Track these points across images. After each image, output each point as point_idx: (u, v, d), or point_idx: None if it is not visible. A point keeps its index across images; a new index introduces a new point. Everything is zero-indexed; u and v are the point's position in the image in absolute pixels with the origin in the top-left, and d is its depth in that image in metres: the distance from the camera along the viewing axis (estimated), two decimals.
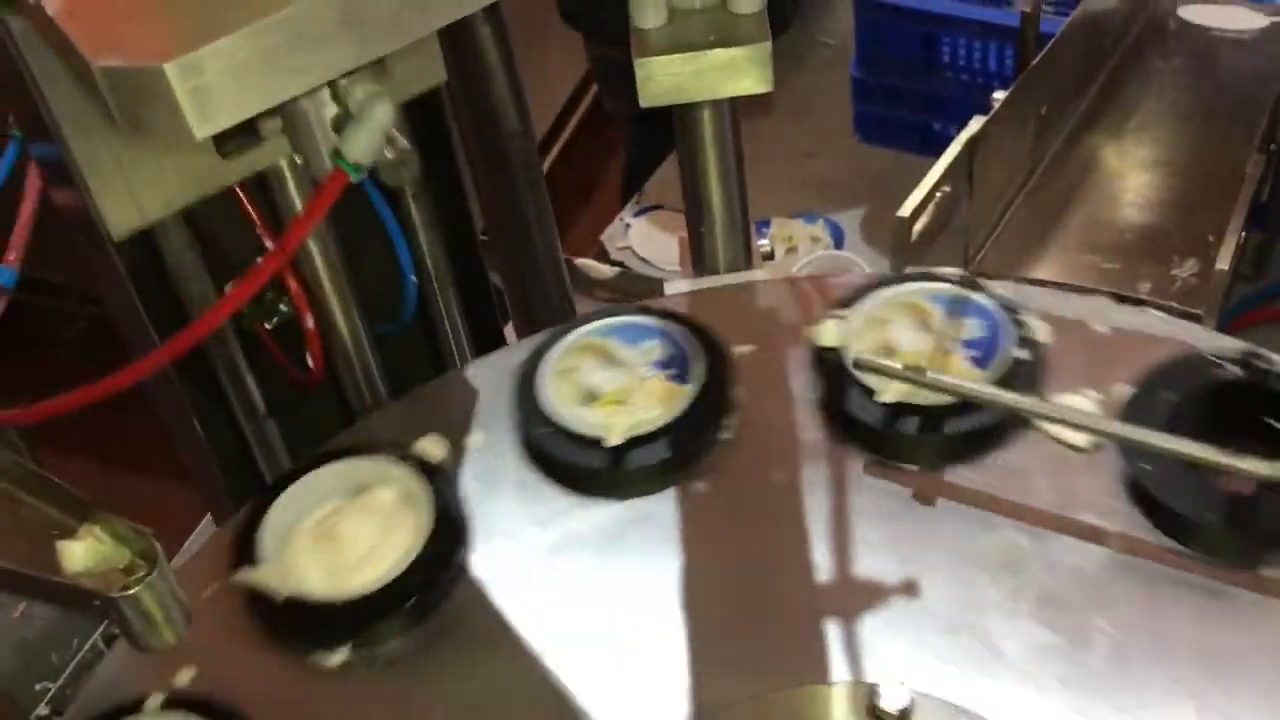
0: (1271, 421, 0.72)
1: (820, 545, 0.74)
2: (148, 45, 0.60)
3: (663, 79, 0.79)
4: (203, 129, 0.60)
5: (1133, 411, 0.74)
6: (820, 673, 0.69)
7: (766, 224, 1.54)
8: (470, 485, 0.80)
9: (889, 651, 0.69)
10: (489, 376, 0.86)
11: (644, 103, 0.79)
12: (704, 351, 0.82)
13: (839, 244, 1.54)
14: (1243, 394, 0.74)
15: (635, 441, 0.78)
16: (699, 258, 1.00)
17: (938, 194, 0.89)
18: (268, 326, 0.98)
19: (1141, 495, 0.71)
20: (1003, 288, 0.83)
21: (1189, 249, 0.99)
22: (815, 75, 1.73)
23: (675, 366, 0.82)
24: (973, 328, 0.80)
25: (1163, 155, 1.15)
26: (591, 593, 0.74)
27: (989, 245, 1.02)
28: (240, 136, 0.82)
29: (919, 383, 0.72)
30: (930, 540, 0.73)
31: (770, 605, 0.73)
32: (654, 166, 1.64)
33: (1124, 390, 0.76)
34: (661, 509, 0.77)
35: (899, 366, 0.73)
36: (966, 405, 0.75)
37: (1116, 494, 0.72)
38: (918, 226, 0.87)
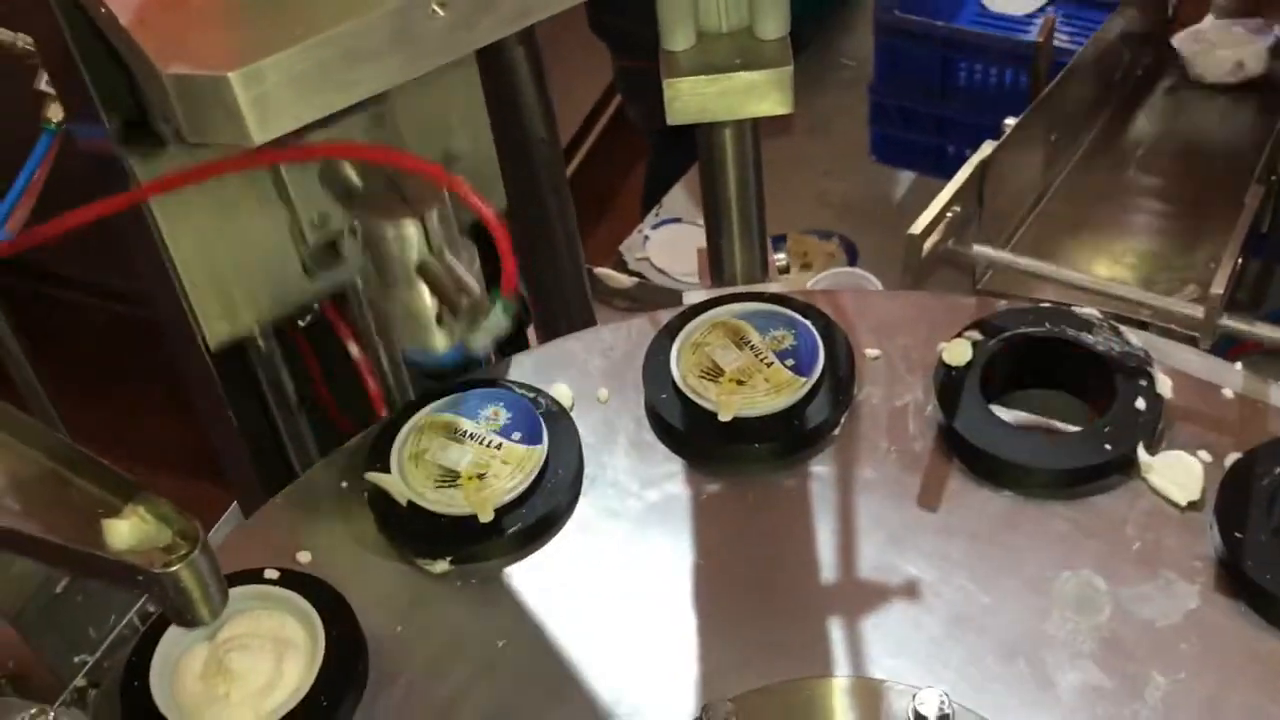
0: None
1: (895, 552, 0.77)
2: (213, 55, 0.64)
3: (689, 99, 0.83)
4: (261, 135, 0.64)
5: None
6: (863, 671, 0.72)
7: (783, 239, 1.58)
8: (589, 436, 0.84)
9: (940, 661, 0.72)
10: (620, 338, 0.91)
11: (671, 121, 0.83)
12: (829, 349, 0.86)
13: (853, 260, 1.58)
14: None
15: (743, 421, 0.82)
16: (716, 269, 1.04)
17: (948, 214, 0.92)
18: (301, 324, 1.02)
19: (1229, 562, 0.73)
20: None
21: (1190, 275, 1.03)
22: (834, 95, 1.77)
23: (798, 358, 0.86)
24: (786, 339, 0.86)
25: (1168, 184, 1.19)
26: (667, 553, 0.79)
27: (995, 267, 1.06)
28: (326, 257, 0.88)
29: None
30: (1009, 567, 0.76)
31: (827, 601, 0.76)
32: (674, 179, 1.68)
33: None
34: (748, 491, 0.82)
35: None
36: (1073, 440, 0.79)
37: (1204, 556, 0.74)
38: (927, 245, 0.91)
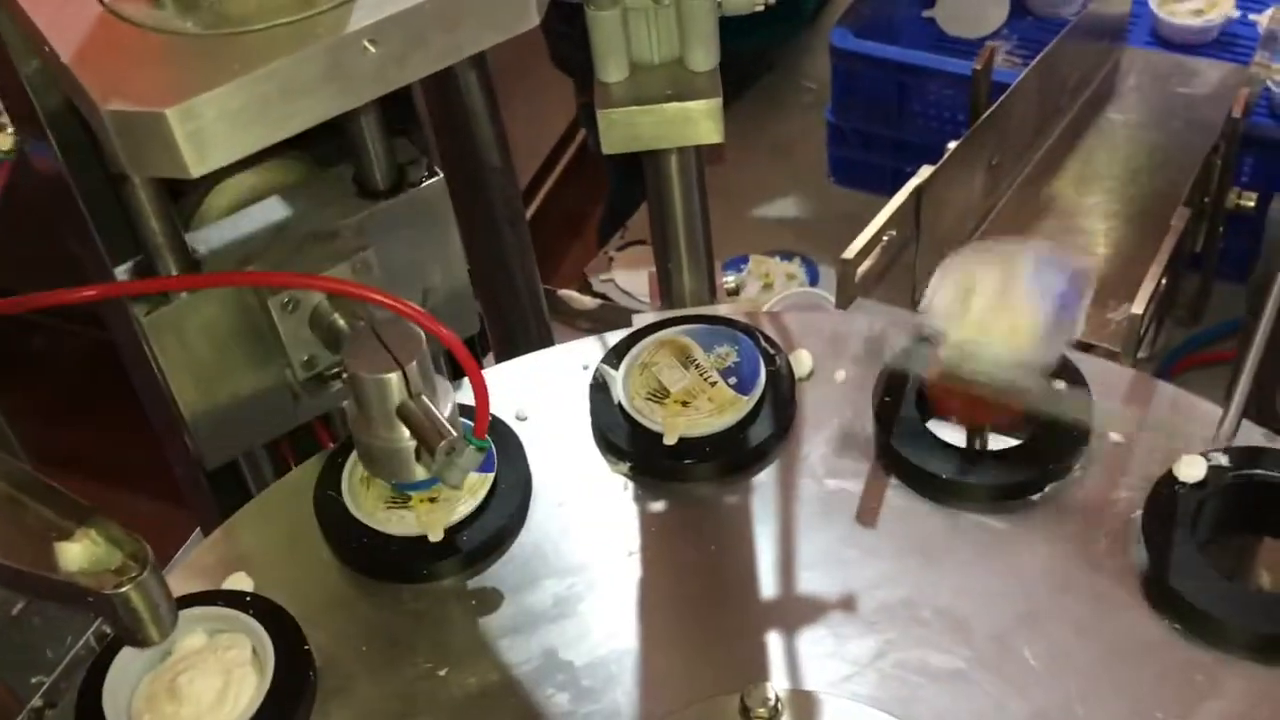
0: None
1: (833, 567, 0.79)
2: (151, 92, 0.66)
3: (623, 129, 0.86)
4: (198, 168, 0.67)
5: None
6: (801, 684, 0.75)
7: (745, 260, 1.61)
8: (538, 456, 0.87)
9: (877, 672, 0.74)
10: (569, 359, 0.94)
11: (606, 150, 0.86)
12: (770, 367, 0.88)
13: (814, 281, 1.60)
14: None
15: (688, 441, 0.85)
16: (666, 292, 1.07)
17: (884, 238, 0.95)
18: None
19: (1155, 576, 0.75)
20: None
21: (1124, 295, 1.06)
22: (797, 118, 1.79)
23: (740, 376, 0.88)
24: (730, 356, 0.88)
25: (1110, 205, 1.22)
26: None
27: None
28: (314, 386, 0.92)
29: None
30: (946, 580, 0.78)
31: (767, 616, 0.78)
32: (634, 205, 1.70)
33: None
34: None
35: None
36: (1008, 456, 0.81)
37: (1133, 569, 0.77)
38: (861, 269, 0.93)
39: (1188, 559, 0.74)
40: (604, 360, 0.91)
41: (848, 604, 0.78)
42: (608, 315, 1.50)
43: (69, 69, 0.68)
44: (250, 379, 0.91)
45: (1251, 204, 1.16)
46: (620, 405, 0.88)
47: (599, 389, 0.89)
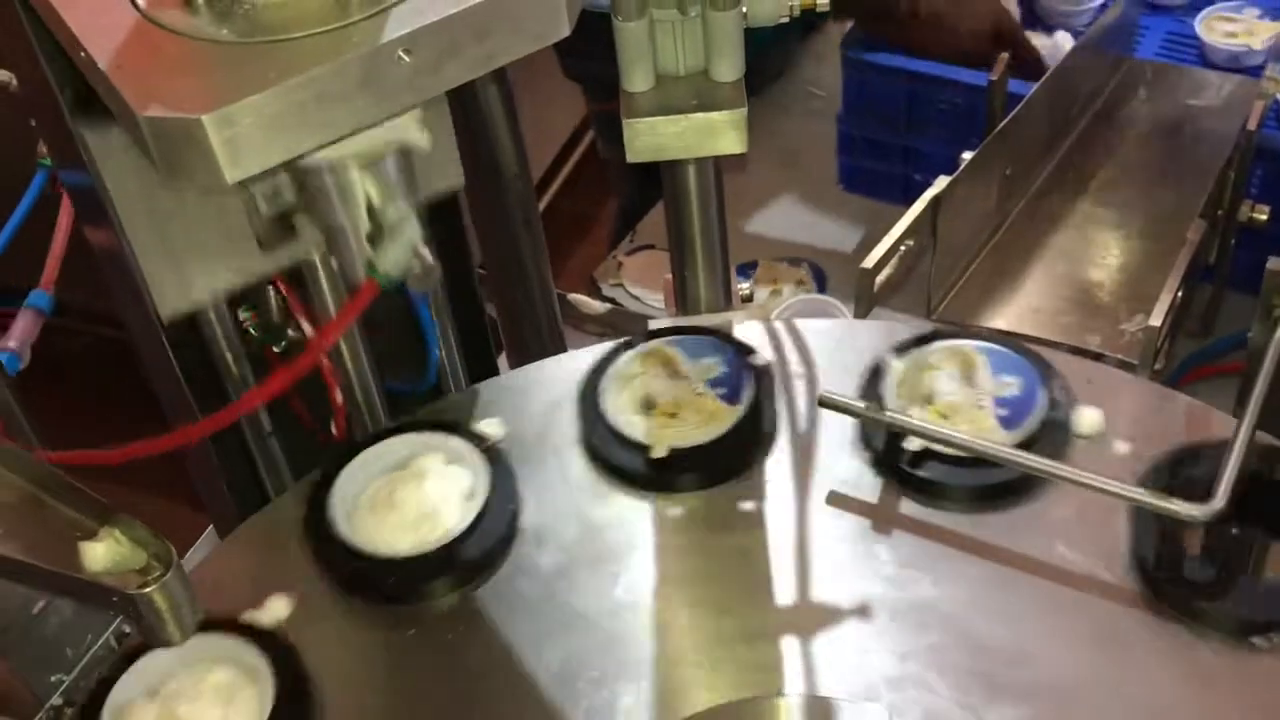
0: None
1: (826, 574, 0.80)
2: (188, 98, 0.66)
3: (648, 138, 0.86)
4: (233, 175, 0.67)
5: None
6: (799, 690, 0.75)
7: (753, 266, 1.61)
8: (526, 470, 0.87)
9: (881, 679, 0.75)
10: (555, 371, 0.95)
11: (630, 159, 0.87)
12: (757, 376, 0.89)
13: (822, 287, 1.60)
14: None
15: (676, 453, 0.85)
16: (682, 298, 1.07)
17: (901, 248, 0.96)
18: (276, 350, 1.05)
19: (1150, 571, 0.77)
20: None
21: (1137, 306, 1.07)
22: (804, 124, 1.79)
23: (728, 386, 0.89)
24: (716, 368, 0.89)
25: (1122, 217, 1.23)
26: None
27: (950, 296, 1.09)
28: (279, 232, 0.91)
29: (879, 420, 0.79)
30: (937, 581, 0.79)
31: (765, 623, 0.79)
32: (645, 210, 1.71)
33: None
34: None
35: (860, 405, 0.81)
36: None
37: (1126, 566, 0.78)
38: (880, 278, 0.94)
39: (1176, 551, 0.75)
40: (591, 372, 0.91)
41: (844, 608, 0.79)
42: (617, 320, 1.51)
43: (105, 75, 0.68)
44: (210, 217, 0.88)
45: (1264, 217, 1.16)
46: (607, 418, 0.88)
47: (587, 401, 0.90)
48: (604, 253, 1.72)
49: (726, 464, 0.86)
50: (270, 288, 0.99)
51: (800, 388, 0.90)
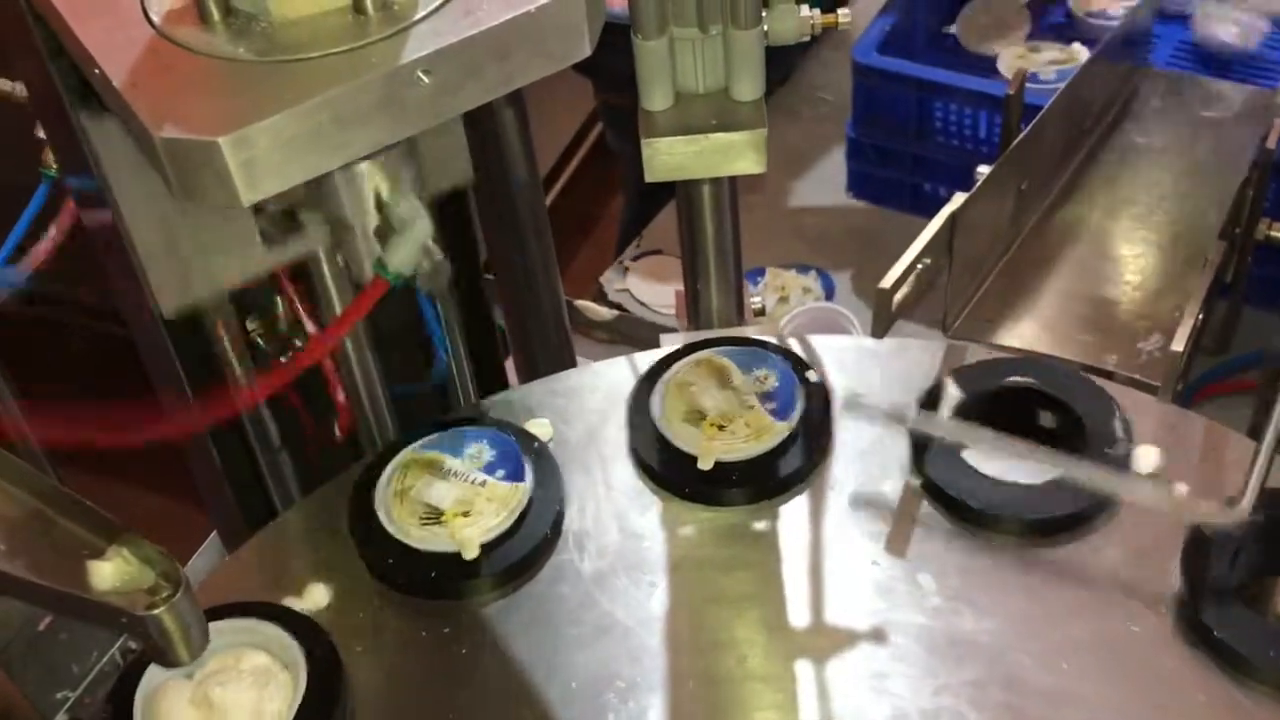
0: None
1: (866, 597, 0.79)
2: (204, 119, 0.66)
3: (667, 158, 0.85)
4: (249, 196, 0.66)
5: None
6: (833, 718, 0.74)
7: (761, 273, 1.60)
8: (572, 474, 0.87)
9: (915, 708, 0.74)
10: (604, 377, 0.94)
11: (649, 178, 0.86)
12: (808, 393, 0.88)
13: (830, 295, 1.60)
14: None
15: (723, 465, 0.85)
16: (694, 311, 1.06)
17: (918, 266, 0.95)
18: (283, 361, 1.04)
19: (1192, 613, 0.75)
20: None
21: (1155, 325, 1.06)
22: (811, 129, 1.79)
23: (778, 401, 0.87)
24: (769, 380, 0.88)
25: (1138, 232, 1.21)
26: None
27: (966, 312, 1.08)
28: (283, 226, 0.89)
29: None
30: (981, 613, 0.78)
31: (799, 646, 0.78)
32: (653, 206, 1.70)
33: None
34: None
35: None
36: (1048, 488, 0.81)
37: (1170, 604, 0.77)
38: (898, 297, 0.93)
39: (1225, 598, 0.74)
40: (642, 378, 0.90)
41: (881, 635, 0.78)
42: (624, 327, 1.50)
43: (120, 94, 0.67)
44: (214, 213, 0.87)
45: None
46: (656, 426, 0.87)
47: (636, 407, 0.89)
48: (608, 254, 1.71)
49: (772, 480, 0.85)
50: (278, 297, 0.98)
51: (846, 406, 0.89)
